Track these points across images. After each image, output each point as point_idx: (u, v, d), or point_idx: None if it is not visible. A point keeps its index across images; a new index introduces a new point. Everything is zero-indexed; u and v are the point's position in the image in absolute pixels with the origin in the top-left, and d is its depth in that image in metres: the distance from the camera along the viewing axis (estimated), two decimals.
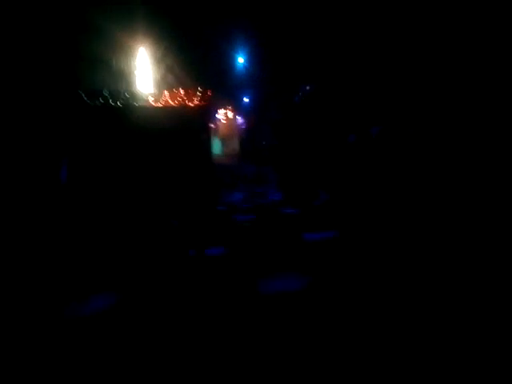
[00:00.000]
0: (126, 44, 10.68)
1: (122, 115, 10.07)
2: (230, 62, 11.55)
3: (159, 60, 11.36)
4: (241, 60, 11.46)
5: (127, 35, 10.51)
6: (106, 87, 10.19)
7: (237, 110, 13.49)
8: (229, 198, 9.44)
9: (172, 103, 12.15)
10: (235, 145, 13.83)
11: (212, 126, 14.22)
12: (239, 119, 13.61)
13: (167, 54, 11.31)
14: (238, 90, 12.30)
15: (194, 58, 11.05)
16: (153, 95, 11.44)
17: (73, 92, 8.90)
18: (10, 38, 6.85)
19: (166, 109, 11.58)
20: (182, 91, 12.58)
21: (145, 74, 11.33)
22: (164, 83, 11.73)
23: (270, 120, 13.59)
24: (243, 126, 13.60)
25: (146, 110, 10.85)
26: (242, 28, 10.87)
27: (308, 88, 11.51)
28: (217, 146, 14.32)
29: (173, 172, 9.33)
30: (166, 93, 12.05)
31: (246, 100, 12.93)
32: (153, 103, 11.46)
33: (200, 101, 12.64)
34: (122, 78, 11.00)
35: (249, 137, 13.52)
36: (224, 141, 13.79)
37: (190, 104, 12.56)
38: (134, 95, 10.57)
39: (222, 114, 13.40)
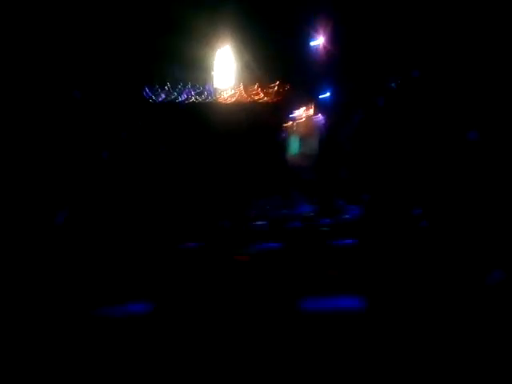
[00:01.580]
0: (208, 41, 12.53)
1: (196, 110, 12.14)
2: (308, 51, 11.53)
3: (239, 56, 12.79)
4: (321, 45, 11.12)
5: (209, 33, 12.35)
6: (188, 82, 12.62)
7: (317, 107, 13.10)
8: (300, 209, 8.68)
9: (246, 99, 13.40)
10: (314, 144, 13.29)
11: (290, 123, 14.28)
12: (320, 117, 13.10)
13: (246, 49, 12.55)
14: (318, 83, 12.09)
15: (272, 51, 11.71)
16: (230, 91, 13.11)
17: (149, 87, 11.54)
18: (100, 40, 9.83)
19: (239, 105, 12.89)
20: (257, 87, 13.63)
21: (225, 70, 12.99)
22: (242, 79, 13.13)
23: (353, 119, 12.49)
24: (323, 125, 12.98)
25: (218, 105, 12.57)
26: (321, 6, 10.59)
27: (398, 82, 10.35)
28: (295, 145, 14.12)
29: (243, 172, 10.48)
30: (242, 88, 13.46)
31: (326, 95, 12.45)
32: (227, 99, 13.10)
33: (276, 96, 13.24)
34: (203, 73, 13.06)
35: (329, 136, 12.74)
36: (303, 140, 13.53)
37: (264, 99, 13.39)
38: (209, 91, 12.58)
39: (302, 111, 13.32)
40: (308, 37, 11.29)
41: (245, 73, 12.85)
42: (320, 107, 13.08)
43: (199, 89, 11.70)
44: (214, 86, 12.07)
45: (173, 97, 11.51)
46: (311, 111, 13.26)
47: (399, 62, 9.75)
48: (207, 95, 11.90)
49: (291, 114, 13.25)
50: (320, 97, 12.70)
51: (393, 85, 10.70)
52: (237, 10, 11.13)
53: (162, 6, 10.57)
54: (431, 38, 7.82)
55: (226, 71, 12.94)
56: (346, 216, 5.96)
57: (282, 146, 12.63)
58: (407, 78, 9.92)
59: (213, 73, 12.65)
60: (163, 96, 11.38)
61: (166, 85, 11.25)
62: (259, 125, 11.91)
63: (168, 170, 9.69)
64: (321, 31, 11.23)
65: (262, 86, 12.69)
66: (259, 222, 5.07)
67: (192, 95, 11.70)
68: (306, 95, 12.46)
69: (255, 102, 12.40)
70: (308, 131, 13.33)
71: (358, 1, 9.35)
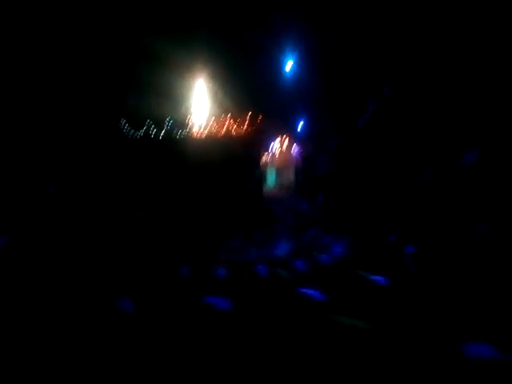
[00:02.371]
0: (182, 73, 12.09)
1: (167, 145, 11.55)
2: (281, 79, 11.15)
3: (211, 89, 12.36)
4: (290, 67, 10.67)
5: (184, 65, 11.92)
6: (161, 115, 12.09)
7: (292, 137, 12.69)
8: (275, 250, 8.24)
9: (220, 132, 12.90)
10: (290, 175, 12.78)
11: (265, 154, 13.78)
12: (295, 148, 12.67)
13: (219, 80, 12.10)
14: (291, 112, 11.70)
15: (243, 81, 11.29)
16: (203, 124, 12.59)
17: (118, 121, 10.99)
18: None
19: (213, 138, 12.37)
20: (230, 119, 13.18)
21: (198, 102, 12.51)
22: (215, 111, 12.65)
23: (329, 147, 12.06)
24: (299, 156, 12.53)
25: (191, 140, 12.02)
26: (293, 27, 10.17)
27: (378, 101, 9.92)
28: (271, 177, 13.59)
29: (217, 208, 9.81)
30: (215, 121, 12.99)
31: (301, 125, 12.05)
32: (200, 132, 12.56)
33: (249, 127, 12.78)
34: (175, 106, 12.53)
35: (305, 167, 12.27)
36: (279, 171, 13.02)
37: (237, 131, 12.92)
38: (181, 124, 12.02)
39: (277, 142, 12.87)
40: (280, 65, 10.95)
41: (217, 105, 12.33)
42: (295, 137, 12.66)
43: (169, 122, 11.17)
44: (187, 119, 11.52)
45: (143, 130, 10.90)
46: (286, 142, 12.81)
47: (375, 83, 9.39)
48: (178, 129, 11.34)
49: (266, 145, 12.76)
50: (295, 126, 12.30)
51: (370, 109, 10.35)
52: (210, 41, 10.78)
53: (136, 35, 10.10)
54: (405, 58, 7.56)
55: (199, 103, 12.41)
56: (325, 257, 5.21)
57: (258, 178, 12.04)
58: (384, 100, 9.55)
59: (186, 105, 12.10)
60: (135, 130, 10.77)
61: (139, 117, 10.70)
62: (232, 158, 11.36)
63: (135, 209, 8.99)
64: (292, 58, 10.93)
65: (234, 118, 12.22)
66: (220, 270, 4.28)
67: (164, 129, 11.13)
68: (281, 125, 12.03)
69: (226, 134, 11.86)
70: (284, 162, 12.83)
71: (330, 23, 9.03)
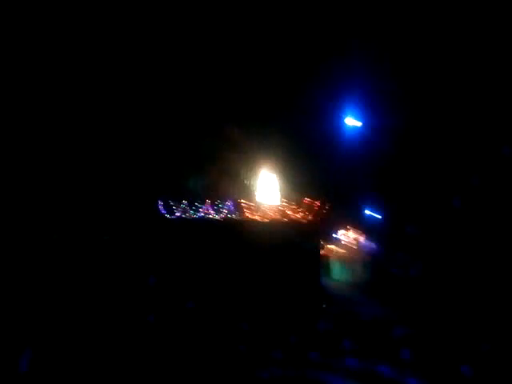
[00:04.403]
0: (252, 162, 11.99)
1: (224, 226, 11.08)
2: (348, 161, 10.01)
3: (275, 175, 11.80)
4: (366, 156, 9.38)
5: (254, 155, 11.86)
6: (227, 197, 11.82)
7: (361, 228, 11.04)
8: None
9: (278, 217, 11.91)
10: (360, 271, 10.88)
11: (330, 246, 12.12)
12: (365, 240, 10.93)
13: (282, 169, 11.59)
14: (358, 197, 10.33)
15: (306, 167, 10.65)
16: (264, 208, 11.88)
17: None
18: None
19: (267, 224, 11.43)
20: (292, 204, 12.13)
21: (263, 187, 11.95)
22: (277, 196, 11.88)
23: (408, 240, 10.13)
24: (370, 249, 10.70)
25: (244, 224, 11.29)
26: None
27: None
28: (337, 271, 11.73)
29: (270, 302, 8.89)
30: (275, 206, 12.10)
31: (371, 214, 10.49)
32: (259, 217, 11.78)
33: (310, 214, 11.57)
34: (243, 190, 12.19)
35: (378, 263, 10.34)
36: (347, 265, 11.22)
37: (297, 218, 11.74)
38: (231, 207, 11.53)
39: (343, 234, 11.31)
40: (347, 152, 10.07)
41: (280, 190, 11.78)
42: (367, 229, 11.14)
43: (219, 205, 10.81)
44: (239, 201, 11.05)
45: (189, 213, 10.65)
46: (354, 234, 11.34)
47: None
48: (228, 212, 10.85)
49: (329, 234, 11.46)
50: (367, 216, 10.89)
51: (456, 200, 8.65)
52: (278, 133, 10.67)
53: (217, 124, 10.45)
54: None
55: (262, 188, 12.03)
56: None
57: (319, 269, 10.55)
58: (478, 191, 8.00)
59: (249, 189, 11.81)
60: (179, 212, 10.58)
61: (185, 199, 10.61)
62: (291, 246, 10.28)
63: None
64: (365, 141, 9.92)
65: (296, 204, 11.40)
66: None
67: (211, 212, 10.75)
68: (346, 213, 10.79)
69: (287, 221, 10.97)
70: (352, 255, 11.23)
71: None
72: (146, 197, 10.01)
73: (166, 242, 9.45)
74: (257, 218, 11.00)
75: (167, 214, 10.43)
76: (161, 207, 10.38)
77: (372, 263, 10.68)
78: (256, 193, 11.81)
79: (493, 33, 6.83)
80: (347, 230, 11.59)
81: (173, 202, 10.50)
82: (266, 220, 10.96)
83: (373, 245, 10.77)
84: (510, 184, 7.15)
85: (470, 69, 7.10)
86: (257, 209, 11.05)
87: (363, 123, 8.95)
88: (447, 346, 6.69)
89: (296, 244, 10.31)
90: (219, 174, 10.74)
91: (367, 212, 10.60)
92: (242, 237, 10.13)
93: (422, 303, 8.74)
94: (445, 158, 8.19)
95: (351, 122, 9.12)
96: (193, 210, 10.55)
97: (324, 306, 9.80)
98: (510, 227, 7.35)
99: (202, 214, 10.53)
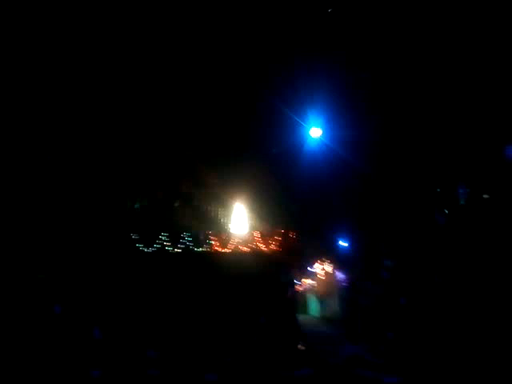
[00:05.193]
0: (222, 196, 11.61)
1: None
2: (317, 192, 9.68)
3: (246, 207, 11.43)
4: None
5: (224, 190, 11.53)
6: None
7: (335, 261, 10.70)
8: None
9: (251, 249, 11.44)
10: (335, 306, 10.42)
11: (305, 279, 11.67)
12: (339, 273, 10.56)
13: (254, 200, 11.26)
14: (331, 228, 10.02)
15: (276, 198, 10.32)
16: (235, 240, 11.40)
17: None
18: None
19: (238, 255, 10.97)
20: (265, 236, 11.73)
21: (234, 220, 11.53)
22: (249, 228, 11.46)
23: (381, 272, 9.84)
24: (344, 283, 10.32)
25: (214, 255, 10.80)
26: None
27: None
28: (313, 306, 11.23)
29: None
30: (247, 238, 11.65)
31: (344, 245, 10.18)
32: (229, 249, 11.29)
33: (283, 247, 11.18)
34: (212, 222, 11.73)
35: (351, 297, 9.94)
36: (322, 300, 10.76)
37: (268, 249, 11.33)
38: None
39: (318, 268, 10.93)
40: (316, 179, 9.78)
41: (254, 222, 11.35)
42: (339, 261, 10.77)
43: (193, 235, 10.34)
44: (207, 232, 10.55)
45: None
46: (329, 268, 10.93)
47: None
48: (201, 243, 10.35)
49: (303, 267, 11.01)
50: (339, 247, 10.54)
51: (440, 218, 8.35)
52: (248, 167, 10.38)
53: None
54: None
55: (235, 220, 11.58)
56: None
57: (291, 305, 10.02)
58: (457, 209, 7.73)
59: (219, 219, 11.35)
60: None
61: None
62: (264, 280, 9.76)
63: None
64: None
65: (268, 236, 10.97)
66: None
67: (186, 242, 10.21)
68: (319, 244, 10.42)
69: (261, 253, 10.48)
70: (327, 289, 10.77)
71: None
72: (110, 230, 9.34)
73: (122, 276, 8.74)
74: (228, 250, 10.50)
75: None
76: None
77: (348, 297, 10.27)
78: (227, 225, 11.35)
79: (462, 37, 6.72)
80: (322, 262, 11.19)
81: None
82: (238, 252, 10.46)
83: (348, 277, 10.39)
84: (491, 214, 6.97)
85: (439, 82, 7.01)
86: (228, 241, 10.57)
87: (331, 140, 8.57)
88: None
89: (270, 277, 9.82)
90: (184, 206, 10.34)
91: (341, 244, 10.31)
92: (212, 269, 9.55)
93: (401, 340, 8.40)
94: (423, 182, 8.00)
95: (316, 136, 8.67)
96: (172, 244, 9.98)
97: (301, 345, 9.22)
98: (489, 262, 7.10)
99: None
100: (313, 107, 7.80)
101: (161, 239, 10.33)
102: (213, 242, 10.80)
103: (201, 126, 9.51)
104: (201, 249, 10.80)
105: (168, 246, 10.32)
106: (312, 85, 7.36)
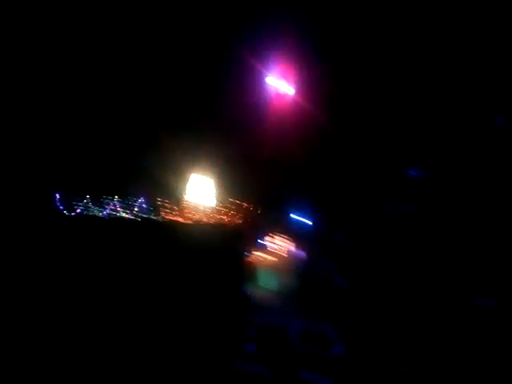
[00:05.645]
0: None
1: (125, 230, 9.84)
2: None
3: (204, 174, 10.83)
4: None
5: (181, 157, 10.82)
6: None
7: (292, 236, 10.46)
8: None
9: (201, 219, 10.93)
10: (288, 280, 10.21)
11: (257, 252, 11.39)
12: (295, 249, 10.34)
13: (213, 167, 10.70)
14: (289, 200, 9.65)
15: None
16: (186, 209, 10.79)
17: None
18: None
19: (186, 226, 10.39)
20: (219, 206, 11.25)
21: (188, 187, 10.89)
22: (204, 197, 10.89)
23: (336, 249, 9.68)
24: (299, 257, 10.13)
25: (161, 225, 10.14)
26: None
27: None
28: (264, 280, 11.02)
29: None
30: (198, 207, 11.12)
31: (302, 220, 9.93)
32: (179, 218, 10.67)
33: (236, 218, 10.75)
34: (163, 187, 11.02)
35: (307, 273, 9.78)
36: (274, 274, 10.51)
37: (220, 221, 10.88)
38: (143, 206, 10.32)
39: (271, 240, 10.64)
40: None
41: (210, 191, 10.74)
42: (297, 235, 10.44)
43: (130, 202, 9.47)
44: (155, 199, 9.79)
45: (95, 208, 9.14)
46: (285, 243, 10.58)
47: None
48: (141, 210, 9.55)
49: (260, 240, 10.59)
50: (296, 221, 10.20)
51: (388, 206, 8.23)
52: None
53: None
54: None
55: (190, 188, 10.87)
56: None
57: (243, 277, 9.61)
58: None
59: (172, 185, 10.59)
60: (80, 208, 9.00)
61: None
62: (213, 251, 9.22)
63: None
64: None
65: (228, 207, 10.41)
66: None
67: (119, 209, 9.34)
68: (276, 218, 10.01)
69: (211, 224, 9.92)
70: (282, 264, 10.44)
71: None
72: (37, 188, 8.29)
73: (60, 245, 7.77)
74: (176, 219, 9.80)
75: (64, 210, 8.74)
76: (57, 202, 8.69)
77: (300, 271, 10.02)
78: (179, 193, 10.64)
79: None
80: (276, 235, 10.81)
81: (72, 195, 8.88)
82: (187, 222, 9.80)
83: (302, 252, 10.11)
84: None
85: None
86: (177, 209, 9.86)
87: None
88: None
89: (219, 249, 9.30)
90: (133, 166, 9.45)
91: (297, 217, 9.96)
92: (157, 240, 8.85)
93: (351, 314, 8.33)
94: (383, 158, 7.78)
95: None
96: (97, 206, 9.03)
97: (247, 316, 8.88)
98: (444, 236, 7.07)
99: (108, 212, 9.06)
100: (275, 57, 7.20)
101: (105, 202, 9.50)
102: (163, 210, 10.12)
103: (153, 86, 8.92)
104: (156, 217, 10.08)
105: (120, 211, 9.52)
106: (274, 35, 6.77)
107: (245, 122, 8.64)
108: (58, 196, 8.50)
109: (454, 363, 5.70)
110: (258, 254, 11.13)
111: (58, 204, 8.54)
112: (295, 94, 7.56)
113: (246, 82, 7.74)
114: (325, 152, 8.77)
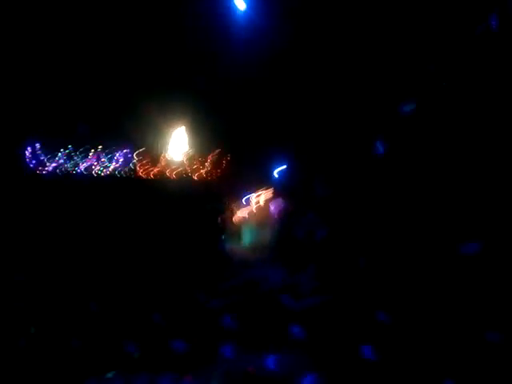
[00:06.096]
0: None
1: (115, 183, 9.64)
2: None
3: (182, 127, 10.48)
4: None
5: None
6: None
7: (272, 190, 10.44)
8: None
9: (180, 174, 10.78)
10: (268, 235, 10.33)
11: (238, 208, 11.45)
12: (274, 203, 10.35)
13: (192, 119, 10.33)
14: (269, 151, 9.46)
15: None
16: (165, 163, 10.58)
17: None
18: None
19: (164, 181, 10.23)
20: (198, 160, 11.07)
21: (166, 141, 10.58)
22: (182, 151, 10.63)
23: (314, 201, 9.69)
24: (278, 212, 10.18)
25: (138, 181, 9.94)
26: None
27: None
28: (247, 236, 11.17)
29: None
30: (178, 162, 10.93)
31: (281, 170, 9.83)
32: (157, 173, 10.49)
33: (215, 169, 10.61)
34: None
35: (284, 226, 9.87)
36: (256, 230, 10.61)
37: (198, 173, 10.74)
38: (125, 159, 10.08)
39: (253, 196, 10.64)
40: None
41: (187, 145, 10.42)
42: (276, 190, 10.36)
43: (110, 155, 9.16)
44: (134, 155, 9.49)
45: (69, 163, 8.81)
46: (265, 197, 10.50)
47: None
48: (121, 165, 9.28)
49: (238, 195, 10.52)
50: (276, 172, 10.05)
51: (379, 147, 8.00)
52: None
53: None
54: None
55: (168, 141, 10.52)
56: None
57: (223, 233, 9.64)
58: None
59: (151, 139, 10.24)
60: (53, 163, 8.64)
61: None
62: (193, 208, 9.13)
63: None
64: None
65: (206, 161, 10.15)
66: None
67: (99, 163, 9.04)
68: (257, 171, 9.86)
69: (191, 179, 9.72)
70: (263, 219, 10.45)
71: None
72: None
73: (30, 205, 7.48)
74: (155, 174, 9.59)
75: (35, 167, 8.37)
76: (27, 157, 8.29)
77: (282, 227, 10.06)
78: (158, 147, 10.32)
79: None
80: (257, 190, 10.74)
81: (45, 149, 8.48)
82: (165, 177, 9.60)
83: (283, 207, 10.10)
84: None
85: None
86: (155, 164, 9.61)
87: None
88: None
89: (199, 205, 9.20)
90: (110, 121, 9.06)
91: (278, 171, 9.82)
92: (136, 196, 8.68)
93: (333, 269, 8.48)
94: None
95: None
96: (71, 162, 8.68)
97: (226, 270, 8.99)
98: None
99: (84, 168, 8.76)
100: None
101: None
102: (141, 165, 9.84)
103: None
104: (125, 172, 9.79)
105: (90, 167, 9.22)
106: None
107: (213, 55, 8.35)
108: (29, 150, 8.10)
109: (438, 314, 5.69)
110: (238, 208, 11.13)
111: (27, 160, 8.15)
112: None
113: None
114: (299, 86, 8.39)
